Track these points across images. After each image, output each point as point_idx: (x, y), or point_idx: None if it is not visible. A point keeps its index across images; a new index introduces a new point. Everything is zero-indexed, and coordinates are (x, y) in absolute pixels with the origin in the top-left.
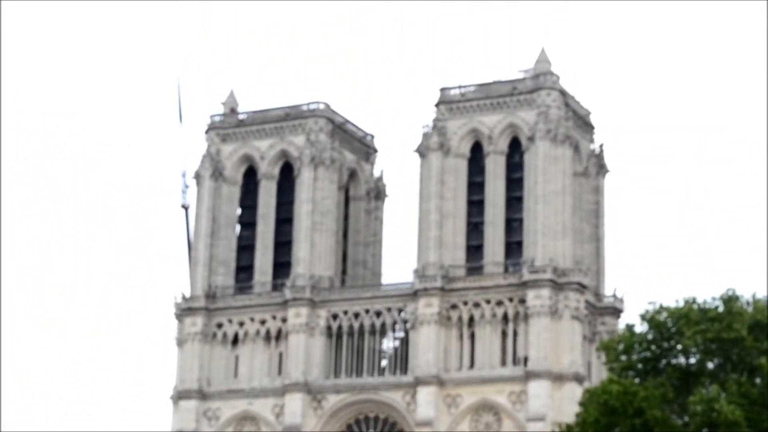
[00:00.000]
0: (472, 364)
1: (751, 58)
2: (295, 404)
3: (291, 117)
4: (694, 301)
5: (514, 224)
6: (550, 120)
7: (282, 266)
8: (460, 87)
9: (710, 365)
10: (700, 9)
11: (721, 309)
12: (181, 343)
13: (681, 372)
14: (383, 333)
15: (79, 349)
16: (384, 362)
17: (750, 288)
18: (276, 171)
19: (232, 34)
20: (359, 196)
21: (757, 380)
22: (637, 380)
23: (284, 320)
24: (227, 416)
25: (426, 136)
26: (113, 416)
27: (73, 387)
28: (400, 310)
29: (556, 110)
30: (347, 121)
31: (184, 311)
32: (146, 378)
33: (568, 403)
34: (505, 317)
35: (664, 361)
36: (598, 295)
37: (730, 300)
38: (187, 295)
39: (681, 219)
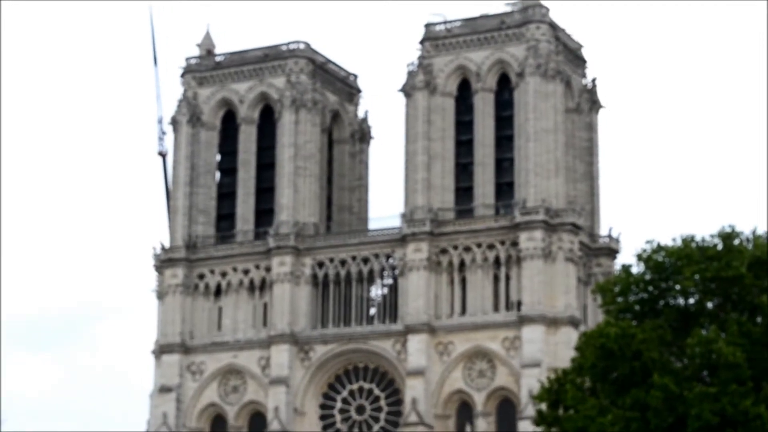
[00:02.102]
0: (463, 311)
1: None
2: (281, 356)
3: (270, 58)
4: (692, 239)
5: (504, 164)
6: (539, 54)
7: (264, 213)
8: (445, 22)
9: (710, 305)
10: None
11: (720, 247)
12: (161, 295)
13: (679, 313)
14: (371, 280)
15: (58, 300)
16: (372, 310)
17: (749, 224)
18: (256, 115)
19: None
20: (343, 139)
21: (759, 319)
22: (634, 322)
23: (268, 269)
24: (212, 370)
25: (411, 74)
26: (95, 373)
27: (55, 341)
28: (388, 257)
29: (546, 44)
30: (329, 61)
31: (164, 262)
32: (126, 332)
33: (563, 348)
34: (497, 261)
35: (662, 302)
36: (592, 235)
37: (729, 237)
38: (167, 245)
39: (677, 154)
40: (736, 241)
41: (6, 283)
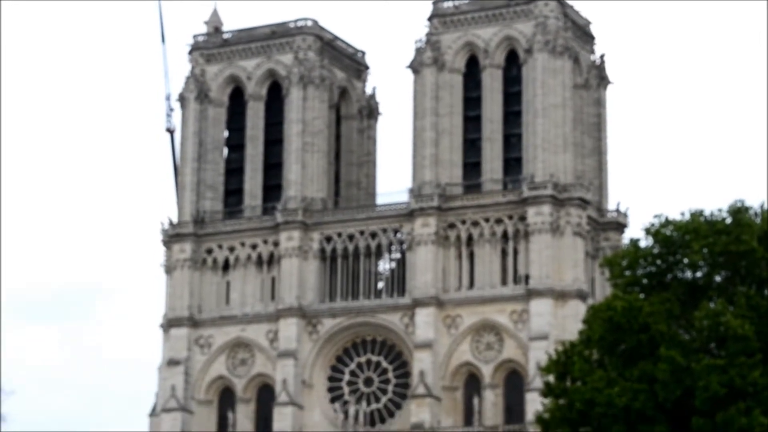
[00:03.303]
0: (471, 284)
1: None
2: (289, 329)
3: (278, 35)
4: (700, 213)
5: (512, 140)
6: (548, 31)
7: (272, 189)
8: None
9: (718, 279)
10: None
11: (729, 221)
12: (169, 270)
13: (687, 286)
14: (379, 255)
15: (67, 275)
16: (380, 284)
17: (759, 198)
18: (263, 91)
19: None
20: (351, 115)
21: (767, 292)
22: (642, 295)
23: (276, 244)
24: (220, 343)
25: (419, 51)
26: (104, 347)
27: (63, 316)
28: (395, 231)
29: (554, 21)
30: (337, 38)
31: (172, 237)
32: (135, 306)
33: (571, 321)
34: (505, 235)
35: (669, 276)
36: (600, 210)
37: (738, 211)
38: (175, 220)
39: (686, 129)
40: (746, 216)
41: (15, 259)
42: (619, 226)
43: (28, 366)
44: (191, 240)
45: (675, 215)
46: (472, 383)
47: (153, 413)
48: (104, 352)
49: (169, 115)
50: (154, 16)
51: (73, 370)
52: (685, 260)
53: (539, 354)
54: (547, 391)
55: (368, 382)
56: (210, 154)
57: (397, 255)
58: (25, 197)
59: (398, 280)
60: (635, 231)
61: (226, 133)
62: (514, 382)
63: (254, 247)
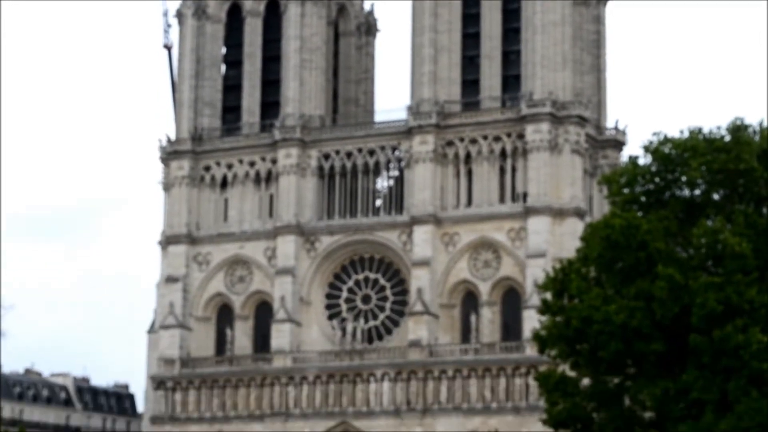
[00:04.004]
0: (469, 202)
1: None
2: (287, 246)
3: None
4: (699, 131)
5: (511, 57)
6: None
7: (270, 106)
8: None
9: (716, 197)
10: None
11: (728, 139)
12: (167, 187)
13: (685, 204)
14: (377, 172)
15: (67, 193)
16: (378, 202)
17: (758, 116)
18: (261, 8)
19: None
20: (349, 32)
21: (765, 210)
22: (640, 213)
23: (274, 161)
24: (218, 260)
25: None
26: (104, 263)
27: (64, 233)
28: (394, 149)
29: None
30: None
31: (170, 155)
32: (134, 223)
33: (569, 239)
34: (503, 153)
35: (668, 194)
36: (599, 127)
37: (737, 129)
38: (173, 137)
39: (685, 47)
40: (745, 134)
41: (18, 177)
42: (618, 144)
43: (28, 283)
44: (189, 157)
45: (674, 133)
46: (470, 301)
47: (151, 330)
48: (104, 269)
49: (166, 32)
50: None
51: (73, 287)
52: (684, 178)
53: (537, 272)
54: (545, 308)
55: (366, 299)
56: (208, 70)
57: (395, 172)
58: (26, 116)
59: (396, 198)
60: (634, 149)
61: (223, 50)
62: (511, 299)
63: (252, 164)
